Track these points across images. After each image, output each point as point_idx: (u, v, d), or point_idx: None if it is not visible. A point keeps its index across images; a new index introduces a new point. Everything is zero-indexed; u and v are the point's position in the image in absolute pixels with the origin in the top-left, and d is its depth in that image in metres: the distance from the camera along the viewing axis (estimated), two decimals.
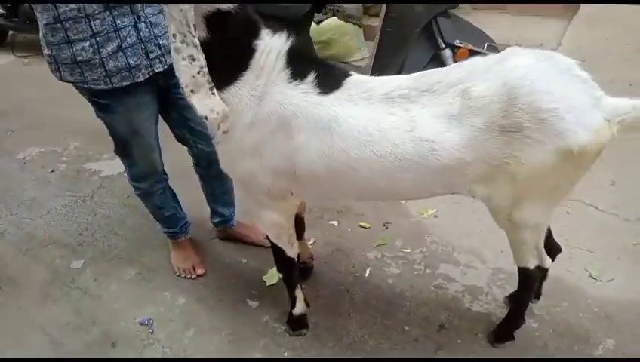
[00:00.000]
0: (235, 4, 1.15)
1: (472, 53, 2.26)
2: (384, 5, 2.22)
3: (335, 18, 3.08)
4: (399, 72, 2.31)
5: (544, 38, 3.12)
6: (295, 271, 1.65)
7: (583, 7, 3.11)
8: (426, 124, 1.15)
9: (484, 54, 2.25)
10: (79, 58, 1.38)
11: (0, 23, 4.05)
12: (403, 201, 2.23)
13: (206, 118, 1.13)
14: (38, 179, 2.72)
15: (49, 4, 1.31)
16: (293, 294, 1.68)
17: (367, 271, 1.94)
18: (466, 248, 1.98)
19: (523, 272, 1.44)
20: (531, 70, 1.10)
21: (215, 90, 1.13)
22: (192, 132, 1.77)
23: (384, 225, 2.15)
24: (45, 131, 3.10)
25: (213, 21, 1.14)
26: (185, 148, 1.88)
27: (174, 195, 1.97)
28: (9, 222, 2.42)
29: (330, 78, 1.24)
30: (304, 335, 1.70)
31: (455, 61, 2.25)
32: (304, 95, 1.21)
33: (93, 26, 1.34)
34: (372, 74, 2.37)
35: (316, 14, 2.97)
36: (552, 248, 1.54)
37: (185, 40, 1.05)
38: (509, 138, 1.11)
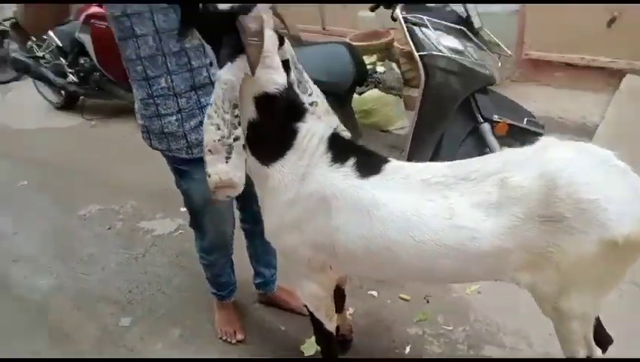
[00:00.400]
0: (281, 88, 1.25)
1: (511, 127, 2.27)
2: (422, 79, 2.30)
3: (377, 90, 3.21)
4: (438, 146, 2.35)
5: (586, 111, 3.11)
6: (334, 344, 1.66)
7: (626, 80, 3.09)
8: (464, 211, 1.18)
9: (523, 128, 2.30)
10: (166, 130, 1.54)
11: (73, 89, 4.45)
12: None
13: (209, 175, 1.23)
14: (96, 235, 2.89)
15: (144, 82, 1.47)
16: None
17: (408, 348, 1.91)
18: (512, 329, 1.92)
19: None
20: (569, 162, 1.13)
21: (229, 161, 1.22)
22: (249, 194, 1.87)
23: (425, 299, 2.12)
24: (105, 190, 3.31)
25: (261, 102, 1.25)
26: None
27: (232, 266, 2.04)
28: (67, 277, 2.57)
29: (369, 163, 1.31)
30: None
31: (494, 135, 2.27)
32: (345, 178, 1.28)
33: (180, 103, 1.50)
34: (411, 147, 2.45)
35: (359, 87, 3.11)
36: (603, 339, 1.47)
37: (217, 111, 1.18)
38: (551, 227, 1.12)
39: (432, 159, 2.33)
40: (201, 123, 1.51)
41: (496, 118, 2.30)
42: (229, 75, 1.16)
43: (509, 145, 2.07)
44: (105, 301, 2.37)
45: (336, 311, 1.76)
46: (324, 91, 2.84)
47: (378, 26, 3.95)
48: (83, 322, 2.26)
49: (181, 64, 1.45)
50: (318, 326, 1.61)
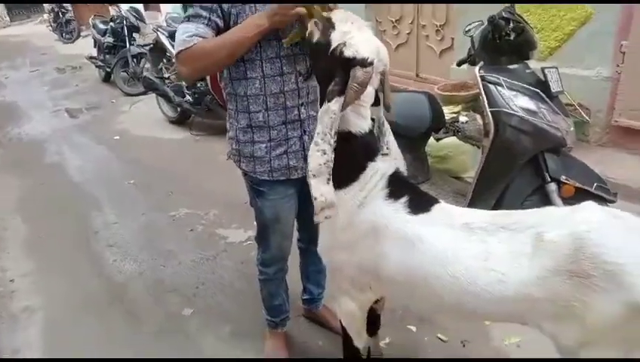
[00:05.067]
0: (362, 132, 1.44)
1: (579, 190, 2.25)
2: (492, 133, 2.38)
3: (455, 138, 3.29)
4: (499, 200, 2.39)
5: None
6: (359, 359, 1.77)
7: None
8: (499, 256, 1.27)
9: (592, 193, 2.26)
10: (256, 154, 1.78)
11: (186, 107, 5.09)
12: (487, 322, 2.21)
13: (315, 198, 1.39)
14: (179, 234, 3.27)
15: (247, 115, 1.73)
16: None
17: None
18: None
19: None
20: (599, 225, 1.19)
21: (331, 182, 1.40)
22: (309, 215, 2.05)
23: (462, 343, 2.15)
24: (196, 197, 3.73)
25: (344, 137, 1.43)
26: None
27: (287, 288, 2.18)
28: (148, 266, 2.95)
29: (420, 202, 1.45)
30: None
31: (560, 196, 2.26)
32: (396, 212, 1.43)
33: (272, 134, 1.75)
34: (473, 195, 2.52)
35: (438, 134, 3.23)
36: None
37: (324, 138, 1.35)
38: (577, 283, 1.18)
39: (494, 210, 2.36)
40: (285, 152, 1.78)
41: (563, 178, 2.30)
42: (336, 105, 1.32)
43: None
44: (175, 291, 2.69)
45: (370, 335, 1.90)
46: (399, 133, 3.04)
47: (469, 78, 4.05)
48: (152, 306, 2.59)
49: (278, 103, 1.70)
50: (347, 341, 1.74)
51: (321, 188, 1.38)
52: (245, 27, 1.53)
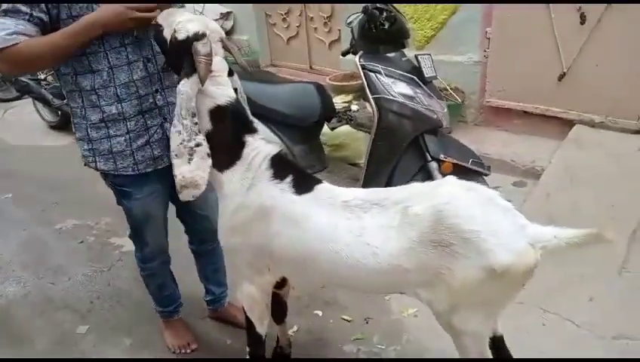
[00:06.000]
0: (231, 100, 1.50)
1: (457, 166, 2.46)
2: (375, 119, 2.52)
3: (348, 126, 3.42)
4: (388, 181, 2.54)
5: (536, 156, 3.31)
6: (261, 348, 1.79)
7: (575, 129, 3.30)
8: (372, 231, 1.36)
9: (468, 168, 2.49)
10: (114, 149, 1.69)
11: (67, 110, 4.68)
12: (387, 297, 2.35)
13: (175, 176, 1.45)
14: (68, 248, 3.03)
15: (98, 109, 1.63)
16: None
17: None
18: (439, 350, 2.03)
19: None
20: (456, 197, 1.32)
21: (192, 162, 1.44)
22: (193, 215, 2.02)
23: (365, 320, 2.25)
24: (84, 206, 3.47)
25: (214, 114, 1.49)
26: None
27: (173, 277, 2.17)
28: (34, 285, 2.70)
29: (304, 182, 1.51)
30: None
31: (441, 173, 2.46)
32: (282, 192, 1.48)
33: (129, 126, 1.67)
34: (365, 178, 2.64)
35: (331, 123, 3.33)
36: (505, 359, 1.60)
37: (179, 119, 1.41)
38: (441, 252, 1.29)
39: None
40: (147, 142, 1.72)
41: (442, 157, 2.50)
42: (185, 87, 1.40)
43: None
44: (66, 309, 2.49)
45: (277, 323, 1.95)
46: (291, 123, 3.07)
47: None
48: (41, 327, 2.38)
49: (130, 93, 1.64)
50: (250, 328, 1.76)
51: (181, 168, 1.45)
52: (79, 31, 1.46)
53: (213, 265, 2.19)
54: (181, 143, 1.42)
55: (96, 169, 1.75)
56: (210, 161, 1.47)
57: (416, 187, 1.43)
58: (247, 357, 1.82)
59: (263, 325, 1.74)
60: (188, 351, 2.15)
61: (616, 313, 2.12)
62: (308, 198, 1.47)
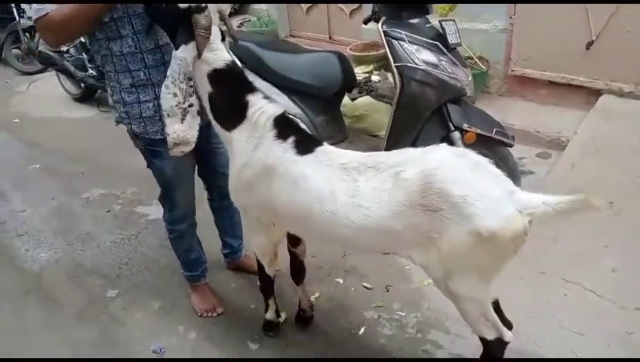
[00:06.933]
0: (228, 62, 1.55)
1: (480, 137, 2.43)
2: (398, 88, 2.48)
3: (369, 97, 3.39)
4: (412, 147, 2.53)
5: (562, 126, 3.23)
6: (270, 284, 1.98)
7: (602, 99, 3.21)
8: (365, 193, 1.40)
9: (492, 138, 2.46)
10: (144, 114, 1.76)
11: (91, 82, 4.75)
12: (407, 267, 2.37)
13: (167, 134, 1.51)
14: (95, 217, 3.12)
15: (128, 74, 1.70)
16: (267, 302, 2.04)
17: (362, 330, 2.08)
18: (459, 318, 2.04)
19: (483, 342, 1.55)
20: (445, 163, 1.33)
21: (184, 122, 1.50)
22: (214, 172, 2.10)
23: (386, 288, 2.29)
24: (110, 176, 3.55)
25: (213, 77, 1.55)
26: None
27: (199, 240, 2.26)
28: (64, 251, 2.80)
29: (306, 143, 1.55)
30: (272, 336, 2.06)
31: (464, 143, 2.44)
32: (284, 152, 1.53)
33: (157, 92, 1.71)
34: (386, 148, 2.63)
35: (352, 93, 3.30)
36: (503, 323, 1.61)
37: (174, 82, 1.46)
38: (430, 215, 1.31)
39: None
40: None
41: (465, 127, 2.47)
42: (183, 53, 1.45)
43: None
44: (96, 274, 2.59)
45: (295, 283, 2.05)
46: (312, 94, 3.04)
47: (379, 37, 4.14)
48: (73, 290, 2.48)
49: (156, 59, 1.69)
50: (261, 269, 1.93)
51: (174, 127, 1.50)
52: None
53: (232, 218, 2.30)
54: (177, 105, 1.48)
55: (131, 131, 1.84)
56: (199, 119, 1.54)
57: (410, 152, 1.45)
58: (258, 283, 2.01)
59: (271, 268, 1.90)
60: (214, 314, 2.23)
61: (639, 284, 2.11)
62: (308, 159, 1.51)
